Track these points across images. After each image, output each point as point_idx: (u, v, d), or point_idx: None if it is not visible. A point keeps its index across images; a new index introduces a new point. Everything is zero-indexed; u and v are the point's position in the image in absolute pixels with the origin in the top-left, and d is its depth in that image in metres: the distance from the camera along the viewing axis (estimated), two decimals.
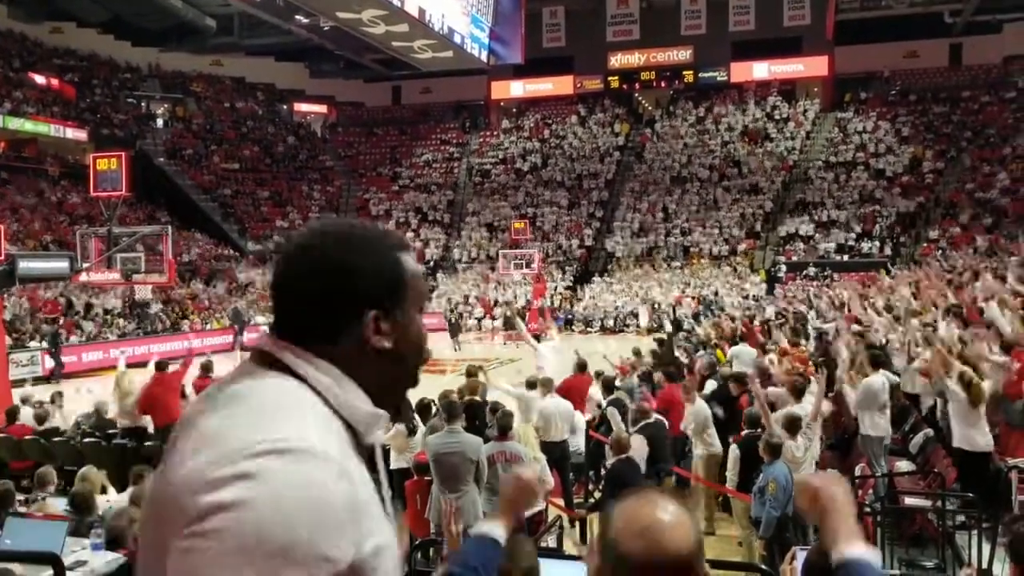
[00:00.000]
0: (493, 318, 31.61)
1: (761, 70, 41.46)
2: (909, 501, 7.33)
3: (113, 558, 5.28)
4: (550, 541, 6.25)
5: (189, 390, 10.75)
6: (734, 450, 7.64)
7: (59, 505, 6.40)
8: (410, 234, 38.28)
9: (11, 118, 33.41)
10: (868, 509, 6.92)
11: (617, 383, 11.30)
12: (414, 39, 29.68)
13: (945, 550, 6.54)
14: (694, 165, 39.46)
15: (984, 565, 5.94)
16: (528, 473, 2.13)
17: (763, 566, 5.47)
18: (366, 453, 1.20)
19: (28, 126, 34.24)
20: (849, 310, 14.71)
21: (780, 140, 39.66)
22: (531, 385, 9.99)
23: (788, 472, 6.30)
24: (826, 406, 7.87)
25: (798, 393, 8.03)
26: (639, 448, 7.67)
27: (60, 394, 13.00)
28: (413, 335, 1.26)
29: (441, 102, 47.65)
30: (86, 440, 10.00)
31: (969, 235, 30.79)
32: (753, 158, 38.78)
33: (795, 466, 6.64)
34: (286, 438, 1.05)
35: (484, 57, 34.34)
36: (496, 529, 2.03)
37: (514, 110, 46.82)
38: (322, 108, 48.75)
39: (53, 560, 4.63)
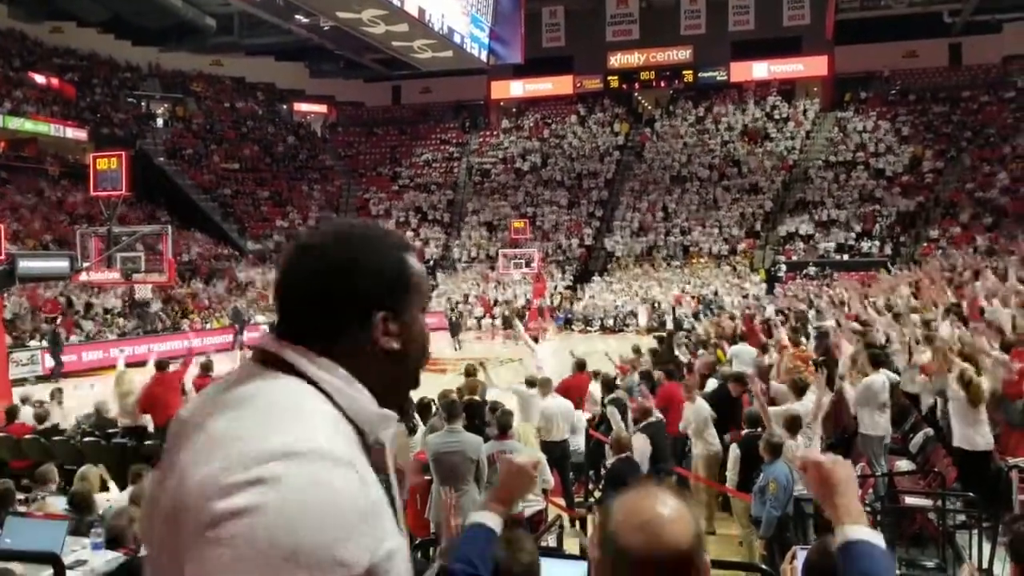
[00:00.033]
0: (493, 317, 31.61)
1: (761, 70, 41.46)
2: (909, 501, 7.33)
3: (113, 557, 5.27)
4: (550, 540, 6.25)
5: (189, 388, 10.76)
6: (734, 449, 7.64)
7: (59, 504, 6.40)
8: (410, 233, 38.29)
9: (11, 117, 33.40)
10: (868, 508, 6.91)
11: (617, 382, 11.29)
12: (414, 39, 29.67)
13: (945, 550, 6.54)
14: (694, 165, 39.47)
15: (984, 564, 5.94)
16: (523, 459, 2.11)
17: (763, 566, 5.47)
18: (373, 454, 1.19)
19: (28, 126, 34.24)
20: (849, 309, 14.71)
21: (780, 140, 39.67)
22: (531, 383, 9.99)
23: (789, 472, 6.30)
24: (825, 398, 7.87)
25: (799, 390, 8.02)
26: (642, 447, 7.67)
27: (60, 391, 13.02)
28: (418, 335, 1.26)
29: (441, 102, 47.65)
30: (86, 439, 10.00)
31: (969, 235, 30.80)
32: (753, 158, 38.80)
33: (796, 466, 6.64)
34: (298, 441, 1.04)
35: (484, 57, 34.33)
36: (490, 518, 2.02)
37: (514, 110, 46.83)
38: (322, 108, 48.75)
39: (53, 560, 4.62)
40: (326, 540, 1.00)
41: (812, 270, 31.55)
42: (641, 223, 37.55)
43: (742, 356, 11.89)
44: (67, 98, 37.89)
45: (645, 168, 40.47)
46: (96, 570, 5.15)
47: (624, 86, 43.45)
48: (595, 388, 11.53)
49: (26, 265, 14.33)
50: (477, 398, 9.83)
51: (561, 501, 8.39)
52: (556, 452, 8.64)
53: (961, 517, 6.83)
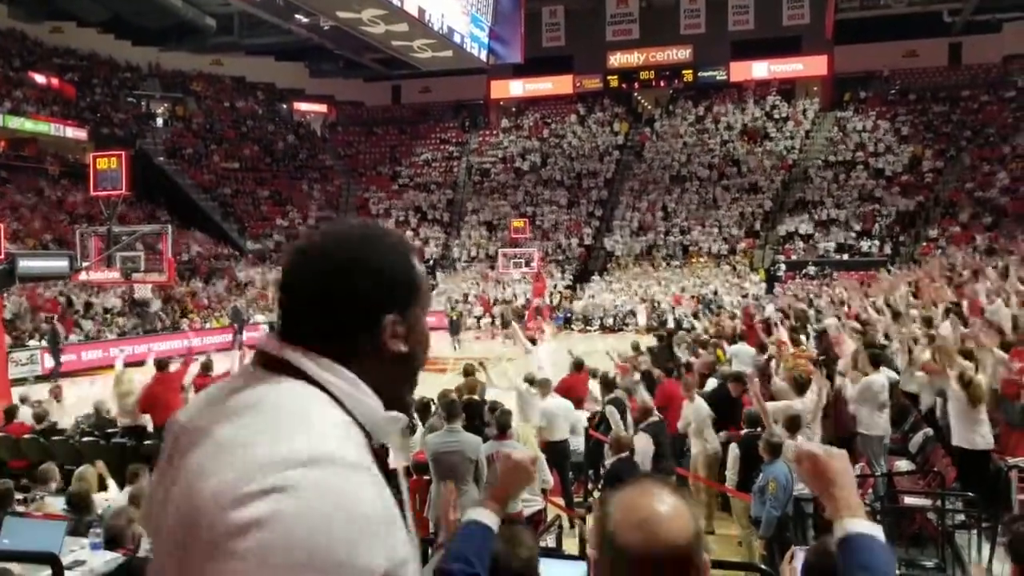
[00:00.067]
0: (492, 317, 31.62)
1: (760, 69, 41.44)
2: (909, 500, 7.33)
3: (112, 558, 5.27)
4: (550, 540, 6.24)
5: (189, 387, 10.74)
6: (734, 449, 7.63)
7: (58, 504, 6.40)
8: (410, 233, 38.27)
9: (11, 117, 33.41)
10: (868, 508, 6.91)
11: (617, 381, 11.28)
12: (414, 39, 29.64)
13: (945, 550, 6.54)
14: (693, 164, 39.47)
15: (984, 564, 5.94)
16: (520, 455, 2.10)
17: (763, 566, 5.46)
18: (379, 456, 1.18)
19: (28, 125, 34.23)
20: (849, 308, 14.71)
21: (779, 139, 39.67)
22: (530, 381, 9.98)
23: (788, 471, 6.29)
24: (825, 389, 7.87)
25: (800, 387, 8.01)
26: (645, 447, 7.65)
27: (59, 387, 13.01)
28: (421, 337, 1.26)
29: (441, 101, 47.65)
30: (85, 439, 10.00)
31: (968, 234, 30.79)
32: (752, 157, 38.79)
33: (790, 458, 6.63)
34: (310, 447, 1.03)
35: (484, 56, 34.30)
36: (487, 516, 2.01)
37: (513, 109, 46.82)
38: (322, 107, 48.75)
39: (52, 560, 4.62)
40: (345, 548, 0.98)
41: (812, 270, 31.54)
42: (641, 223, 37.55)
43: (741, 356, 11.89)
44: (67, 98, 37.89)
45: (645, 168, 40.47)
46: (95, 570, 5.14)
47: (624, 86, 43.44)
48: (594, 385, 11.53)
49: (26, 264, 14.33)
50: (476, 398, 9.82)
51: (560, 501, 8.39)
52: (556, 452, 8.64)
53: (960, 517, 6.83)
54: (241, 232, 38.49)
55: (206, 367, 11.54)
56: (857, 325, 11.40)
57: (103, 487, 7.38)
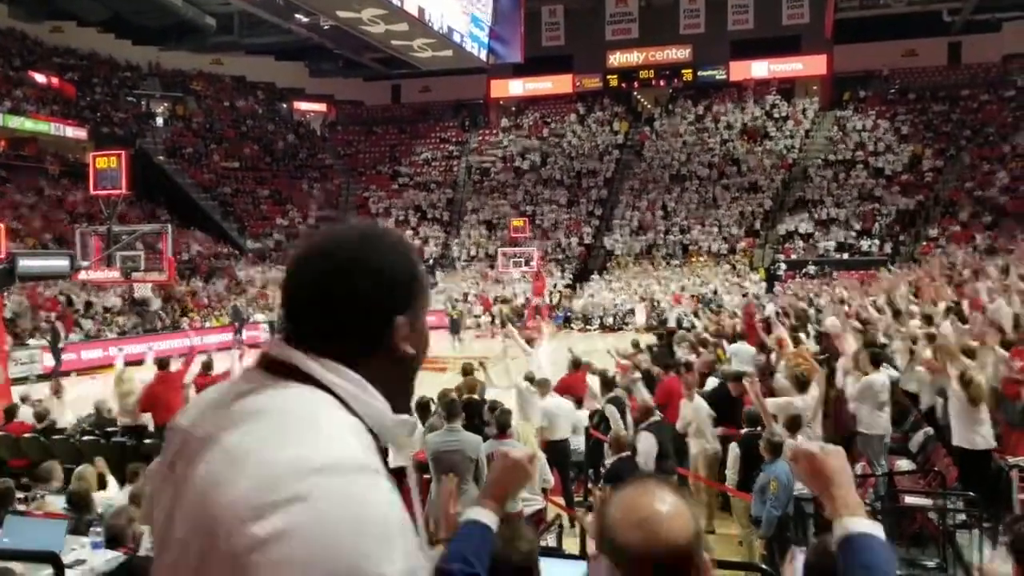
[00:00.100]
0: (492, 316, 31.62)
1: (760, 69, 41.43)
2: (909, 500, 7.32)
3: (113, 556, 5.27)
4: (550, 540, 6.24)
5: (188, 384, 10.74)
6: (734, 449, 7.63)
7: (59, 503, 6.40)
8: (409, 232, 38.29)
9: (11, 116, 33.39)
10: (869, 508, 6.91)
11: (617, 380, 11.27)
12: (414, 38, 29.62)
13: (946, 549, 6.53)
14: (693, 163, 39.47)
15: (991, 564, 5.93)
16: (517, 452, 2.08)
17: (763, 566, 5.47)
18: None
19: (28, 124, 34.21)
20: (849, 307, 14.69)
21: (779, 138, 39.68)
22: (530, 380, 9.99)
23: (789, 471, 6.29)
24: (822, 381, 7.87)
25: (801, 385, 8.00)
26: (648, 447, 7.63)
27: (60, 384, 12.99)
28: (424, 337, 1.25)
29: (440, 101, 47.65)
30: (85, 438, 10.00)
31: (968, 233, 30.80)
32: (752, 156, 38.80)
33: (787, 457, 6.63)
34: (324, 453, 1.02)
35: (483, 56, 34.28)
36: (485, 515, 1.99)
37: (513, 108, 46.83)
38: (322, 107, 48.75)
39: (53, 559, 4.62)
40: (364, 556, 0.97)
41: (812, 269, 31.54)
42: (640, 222, 37.56)
43: (741, 355, 11.88)
44: (67, 97, 37.87)
45: (644, 167, 40.48)
46: (96, 569, 5.14)
47: (623, 85, 43.43)
48: (594, 381, 11.52)
49: (26, 264, 14.31)
50: (476, 397, 9.82)
51: (561, 500, 8.39)
52: (557, 451, 8.64)
53: (962, 517, 6.82)
54: (241, 231, 38.51)
55: (207, 366, 11.53)
56: (858, 325, 11.39)
57: (103, 485, 7.38)
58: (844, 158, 37.31)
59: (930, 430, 8.61)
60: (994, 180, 33.30)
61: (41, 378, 19.77)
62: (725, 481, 7.84)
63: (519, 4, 35.80)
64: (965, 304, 12.12)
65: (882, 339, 10.58)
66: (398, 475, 1.17)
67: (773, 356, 10.66)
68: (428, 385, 9.48)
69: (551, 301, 32.61)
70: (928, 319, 10.60)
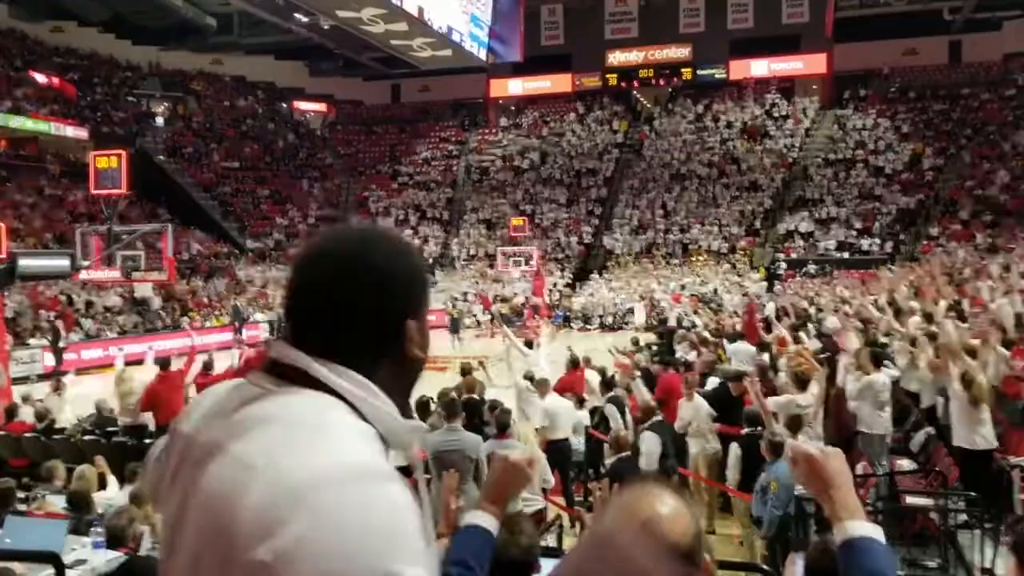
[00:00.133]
0: (492, 315, 31.61)
1: (760, 67, 41.38)
2: (911, 500, 7.31)
3: (113, 557, 5.27)
4: (550, 540, 6.24)
5: (189, 384, 10.74)
6: (735, 448, 7.62)
7: (60, 503, 6.40)
8: (409, 231, 38.31)
9: (12, 116, 33.37)
10: (870, 508, 6.90)
11: (616, 379, 11.27)
12: (413, 37, 29.59)
13: (947, 550, 6.52)
14: (693, 162, 39.46)
15: (987, 565, 5.94)
16: (517, 455, 2.05)
17: (764, 566, 5.46)
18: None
19: (29, 124, 34.19)
20: (851, 306, 14.69)
21: (779, 137, 39.65)
22: (530, 379, 9.99)
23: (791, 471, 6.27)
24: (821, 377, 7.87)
25: (802, 383, 8.00)
26: (652, 447, 7.62)
27: (60, 381, 12.99)
28: (428, 339, 1.23)
29: (440, 100, 47.65)
30: (86, 438, 10.00)
31: (969, 232, 30.79)
32: (752, 155, 38.78)
33: (786, 459, 6.61)
34: (339, 462, 1.00)
35: (483, 55, 34.21)
36: (484, 518, 1.97)
37: (513, 108, 46.81)
38: (321, 106, 48.73)
39: (53, 559, 4.62)
40: (387, 562, 0.95)
41: (812, 268, 31.53)
42: (640, 221, 37.56)
43: (740, 354, 11.88)
44: (68, 97, 37.87)
45: (644, 166, 40.47)
46: (96, 569, 5.14)
47: (623, 84, 43.39)
48: (593, 377, 11.51)
49: (26, 263, 14.30)
50: (476, 396, 9.81)
51: (561, 500, 8.38)
52: (558, 451, 8.64)
53: (963, 517, 6.81)
54: (241, 231, 38.52)
55: (207, 366, 11.54)
56: (859, 324, 11.39)
57: (103, 485, 7.38)
58: (844, 157, 37.30)
59: (931, 430, 8.60)
60: (995, 179, 33.29)
61: (42, 378, 19.78)
62: (726, 481, 7.83)
63: (518, 3, 35.77)
64: (966, 303, 12.12)
65: (882, 339, 10.58)
66: (404, 471, 1.16)
67: (773, 355, 10.64)
68: (428, 384, 9.48)
69: (551, 300, 32.59)
70: (928, 318, 10.59)
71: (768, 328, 13.45)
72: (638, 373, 10.59)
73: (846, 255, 32.47)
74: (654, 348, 16.82)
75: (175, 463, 1.15)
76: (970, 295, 12.74)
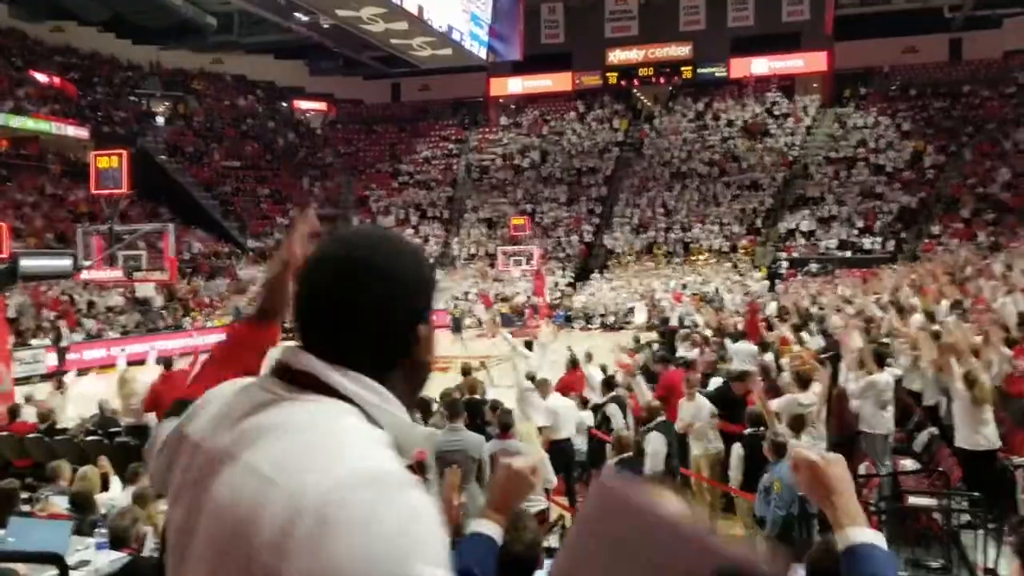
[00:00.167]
0: (491, 314, 31.60)
1: (760, 66, 41.38)
2: (913, 500, 7.31)
3: (117, 557, 5.27)
4: (552, 541, 6.24)
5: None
6: (738, 449, 7.61)
7: (63, 503, 6.40)
8: (410, 230, 38.31)
9: (13, 116, 33.37)
10: (873, 508, 6.90)
11: (618, 379, 11.27)
12: (413, 36, 29.59)
13: (950, 550, 6.52)
14: (693, 161, 39.45)
15: (990, 565, 5.93)
16: (520, 463, 2.02)
17: None
18: None
19: (30, 124, 34.20)
20: (853, 304, 14.68)
21: (780, 136, 39.64)
22: (531, 379, 9.99)
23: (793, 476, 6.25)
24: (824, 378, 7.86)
25: (804, 383, 7.99)
26: (658, 447, 7.61)
27: (62, 380, 13.00)
28: (434, 343, 1.24)
29: (440, 99, 47.66)
30: (89, 438, 10.00)
31: (970, 230, 30.79)
32: (753, 154, 38.77)
33: (788, 465, 6.59)
34: (356, 468, 0.99)
35: (483, 54, 34.22)
36: (489, 527, 1.95)
37: (513, 107, 46.82)
38: (322, 105, 48.76)
39: (57, 560, 4.62)
40: (412, 565, 0.95)
41: (814, 267, 31.51)
42: (641, 220, 37.54)
43: (741, 353, 11.86)
44: (68, 97, 37.89)
45: (645, 164, 40.46)
46: (100, 570, 5.14)
47: (623, 82, 43.40)
48: (595, 373, 11.48)
49: (28, 263, 14.34)
50: (477, 396, 9.82)
51: (564, 501, 8.38)
52: (561, 451, 8.64)
53: (966, 517, 6.81)
54: (242, 230, 38.53)
55: None
56: (861, 323, 11.38)
57: (107, 486, 7.38)
58: (845, 155, 37.29)
59: (934, 430, 8.60)
60: (996, 176, 33.28)
61: (44, 378, 19.81)
62: (729, 481, 7.83)
63: (518, 2, 35.79)
64: (968, 302, 12.12)
65: (884, 338, 10.57)
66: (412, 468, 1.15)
67: (777, 353, 10.63)
68: (429, 385, 9.46)
69: (551, 300, 32.57)
70: (931, 316, 10.59)
71: (770, 327, 13.44)
72: (639, 372, 10.59)
73: (847, 254, 32.46)
74: (655, 347, 16.79)
75: (182, 468, 1.14)
76: (972, 294, 12.73)
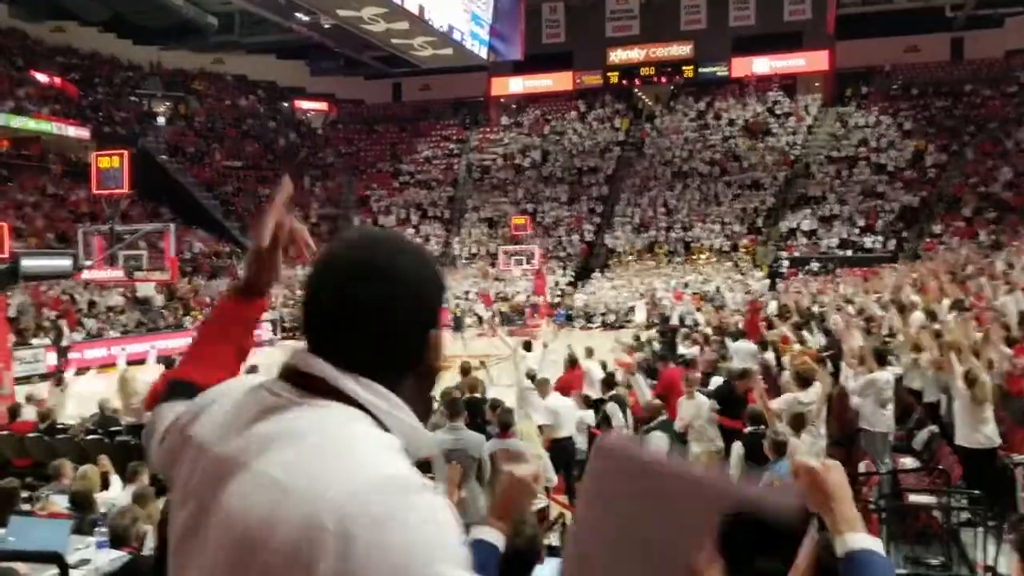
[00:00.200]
0: (494, 313, 31.59)
1: (762, 65, 41.36)
2: (914, 498, 7.31)
3: (117, 556, 5.28)
4: (553, 539, 6.24)
5: None
6: (738, 447, 7.61)
7: (64, 503, 6.40)
8: (411, 230, 38.30)
9: (14, 116, 33.41)
10: (873, 506, 6.90)
11: (618, 378, 11.27)
12: (414, 36, 29.61)
13: (950, 547, 6.52)
14: (695, 160, 39.43)
15: (990, 562, 5.93)
16: (522, 470, 2.01)
17: None
18: None
19: (31, 124, 34.23)
20: (854, 303, 14.68)
21: (781, 135, 39.61)
22: (531, 378, 9.99)
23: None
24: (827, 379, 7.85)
25: (804, 381, 7.99)
26: (662, 447, 7.62)
27: (62, 378, 13.00)
28: (442, 347, 1.22)
29: (441, 99, 47.66)
30: (89, 437, 10.00)
31: (972, 229, 30.77)
32: (754, 153, 38.75)
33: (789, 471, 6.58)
34: (372, 476, 0.98)
35: (484, 54, 34.24)
36: (491, 534, 1.95)
37: (514, 106, 46.81)
38: (323, 105, 48.78)
39: (57, 559, 4.62)
40: (433, 568, 0.94)
41: (815, 266, 31.48)
42: (642, 219, 37.53)
43: (741, 352, 11.86)
44: (69, 97, 37.92)
45: (646, 164, 40.45)
46: (100, 569, 5.15)
47: (624, 82, 43.39)
48: (595, 369, 11.47)
49: (29, 263, 14.36)
50: (477, 395, 9.81)
51: (564, 499, 8.38)
52: (562, 450, 8.64)
53: (966, 515, 6.81)
54: (243, 230, 38.49)
55: None
56: (862, 323, 11.39)
57: (107, 485, 7.39)
58: (847, 154, 37.25)
59: (934, 428, 8.60)
60: (997, 176, 33.26)
61: (44, 377, 19.81)
62: None
63: (519, 1, 35.79)
64: (970, 301, 12.11)
65: (885, 337, 10.57)
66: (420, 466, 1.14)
67: (778, 352, 10.63)
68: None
69: (552, 299, 32.55)
70: (932, 315, 10.59)
71: (770, 326, 13.44)
72: (638, 371, 10.59)
73: (849, 253, 32.42)
74: (656, 345, 16.79)
75: (187, 470, 1.13)
76: (973, 292, 12.72)
